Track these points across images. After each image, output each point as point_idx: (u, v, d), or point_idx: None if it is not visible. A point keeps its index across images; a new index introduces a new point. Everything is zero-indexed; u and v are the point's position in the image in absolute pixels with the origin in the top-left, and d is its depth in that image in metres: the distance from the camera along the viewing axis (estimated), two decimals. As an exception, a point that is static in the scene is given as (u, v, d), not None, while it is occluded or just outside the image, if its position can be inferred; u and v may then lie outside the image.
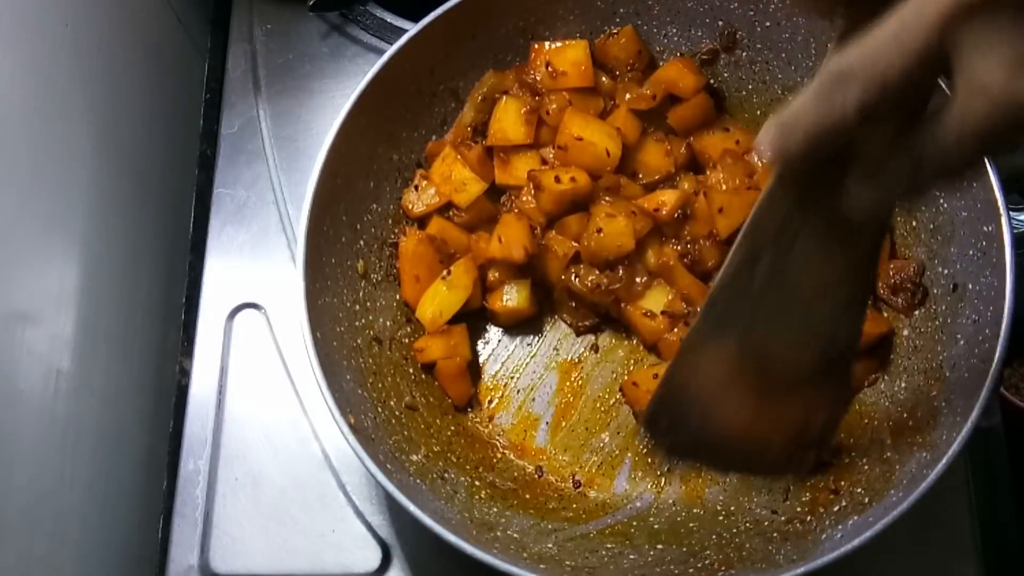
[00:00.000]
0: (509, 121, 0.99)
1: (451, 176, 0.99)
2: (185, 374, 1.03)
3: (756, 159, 0.98)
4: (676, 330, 0.95)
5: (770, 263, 0.71)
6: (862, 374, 0.93)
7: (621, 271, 0.96)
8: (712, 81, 1.03)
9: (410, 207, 1.00)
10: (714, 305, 0.75)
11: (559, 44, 1.00)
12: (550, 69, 0.99)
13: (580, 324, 0.99)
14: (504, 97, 1.00)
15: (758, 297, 0.72)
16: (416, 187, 1.00)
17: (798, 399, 0.78)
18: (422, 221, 1.00)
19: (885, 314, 0.95)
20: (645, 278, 0.96)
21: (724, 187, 0.96)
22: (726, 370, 0.76)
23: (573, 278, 0.96)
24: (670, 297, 0.96)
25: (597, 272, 0.96)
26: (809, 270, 0.71)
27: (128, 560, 0.97)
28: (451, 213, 1.00)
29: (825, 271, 0.71)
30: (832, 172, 0.60)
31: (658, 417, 0.81)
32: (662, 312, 0.95)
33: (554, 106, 0.98)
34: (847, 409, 0.84)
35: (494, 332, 1.00)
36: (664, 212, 0.95)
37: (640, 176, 1.01)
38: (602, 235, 0.94)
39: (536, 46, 1.00)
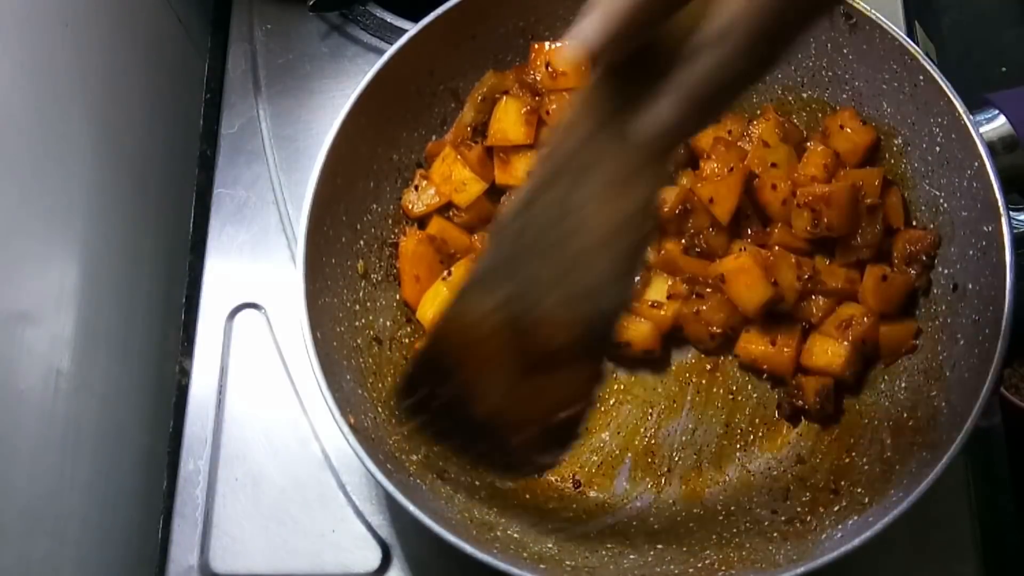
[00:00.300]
0: (509, 121, 0.99)
1: (451, 176, 0.99)
2: (185, 374, 1.03)
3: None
4: (690, 302, 0.95)
5: (558, 197, 0.67)
6: (902, 339, 0.93)
7: None
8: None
9: (410, 207, 1.00)
10: (481, 258, 0.71)
11: (559, 44, 1.00)
12: (550, 69, 0.99)
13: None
14: (504, 97, 1.00)
15: (536, 241, 0.68)
16: (416, 187, 1.00)
17: (554, 378, 0.74)
18: (422, 221, 1.00)
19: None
20: (642, 274, 0.96)
21: (715, 176, 0.96)
22: (482, 336, 0.72)
23: None
24: (670, 283, 0.96)
25: None
26: (591, 213, 0.67)
27: (128, 560, 0.97)
28: (451, 213, 1.00)
29: (606, 218, 0.67)
30: (635, 90, 0.59)
31: (413, 386, 0.75)
32: (668, 297, 0.96)
33: (554, 106, 0.98)
34: (595, 398, 0.77)
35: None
36: (665, 210, 0.95)
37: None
38: None
39: (536, 46, 1.00)
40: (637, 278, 0.71)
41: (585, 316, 0.71)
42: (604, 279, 0.69)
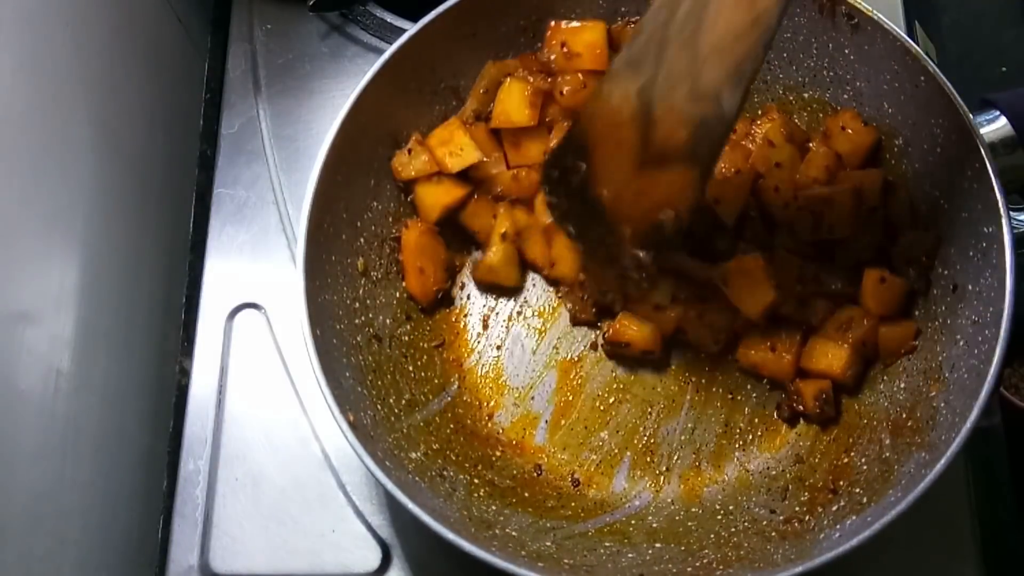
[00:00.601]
0: (513, 103, 0.98)
1: (451, 139, 0.98)
2: (185, 374, 1.03)
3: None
4: (693, 305, 0.95)
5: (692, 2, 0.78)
6: (902, 340, 0.93)
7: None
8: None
9: (399, 170, 0.99)
10: (638, 35, 0.82)
11: (577, 24, 0.99)
12: (565, 49, 0.98)
13: (580, 316, 0.99)
14: (508, 79, 0.99)
15: (672, 34, 0.79)
16: (409, 150, 0.99)
17: (665, 177, 0.84)
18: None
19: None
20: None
21: (719, 176, 0.96)
22: (620, 120, 0.83)
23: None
24: (675, 287, 0.96)
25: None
26: (721, 13, 0.78)
27: (128, 560, 0.97)
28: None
29: (731, 18, 0.78)
30: None
31: (558, 160, 0.87)
32: (672, 300, 0.96)
33: (568, 87, 0.98)
34: (690, 210, 0.87)
35: (494, 329, 1.00)
36: None
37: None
38: None
39: (553, 24, 0.99)
40: (748, 90, 0.82)
41: (702, 117, 0.82)
42: (725, 81, 0.80)
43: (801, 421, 0.95)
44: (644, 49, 0.82)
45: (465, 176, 1.00)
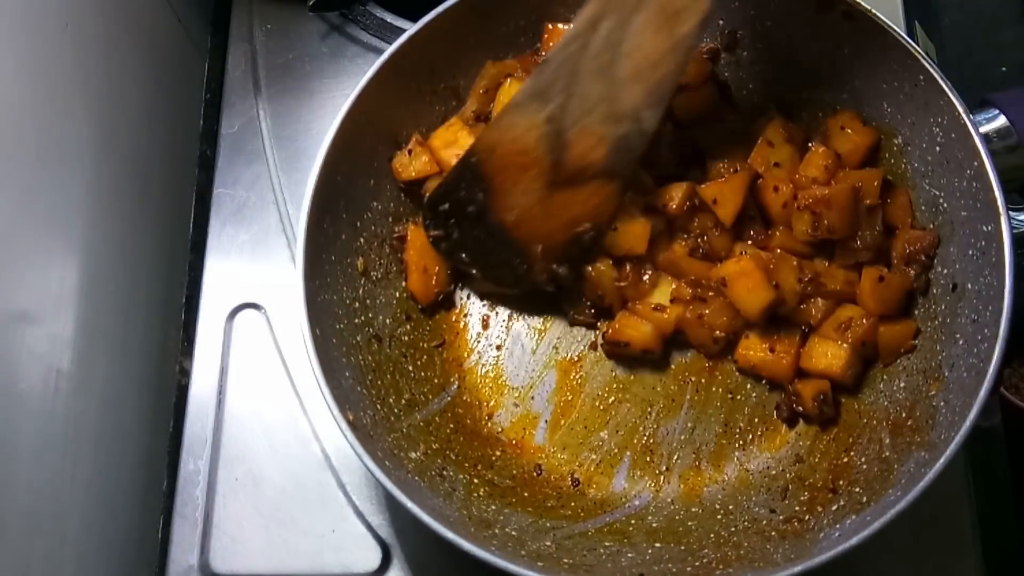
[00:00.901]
0: None
1: (456, 141, 0.98)
2: (185, 374, 1.03)
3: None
4: (693, 306, 0.95)
5: (610, 28, 0.81)
6: (901, 339, 0.93)
7: (628, 268, 0.96)
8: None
9: (399, 170, 0.99)
10: (545, 66, 0.85)
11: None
12: None
13: (577, 316, 0.99)
14: (508, 80, 0.99)
15: (586, 64, 0.82)
16: (410, 151, 0.99)
17: (580, 194, 0.86)
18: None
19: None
20: (650, 274, 0.96)
21: (719, 177, 0.96)
22: (526, 147, 0.85)
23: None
24: (675, 287, 0.96)
25: (609, 263, 0.96)
26: (639, 44, 0.81)
27: (128, 560, 0.97)
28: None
29: (650, 48, 0.81)
30: None
31: (449, 193, 0.89)
32: (671, 301, 0.96)
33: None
34: (612, 219, 0.90)
35: (494, 329, 1.00)
36: (673, 206, 0.95)
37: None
38: (616, 232, 0.94)
39: (550, 27, 1.00)
40: (664, 106, 0.86)
41: (623, 135, 0.85)
42: (640, 103, 0.84)
43: (801, 421, 0.95)
44: (552, 79, 0.85)
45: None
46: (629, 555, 0.87)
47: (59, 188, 0.90)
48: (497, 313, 1.01)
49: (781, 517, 0.88)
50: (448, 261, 0.97)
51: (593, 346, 0.99)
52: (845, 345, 0.92)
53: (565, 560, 0.85)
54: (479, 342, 1.00)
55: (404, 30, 0.96)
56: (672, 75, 0.84)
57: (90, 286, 0.94)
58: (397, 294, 0.99)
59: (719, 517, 0.90)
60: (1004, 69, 1.68)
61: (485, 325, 1.01)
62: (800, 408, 0.93)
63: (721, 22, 1.01)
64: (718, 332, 0.95)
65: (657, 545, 0.88)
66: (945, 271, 0.91)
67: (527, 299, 1.00)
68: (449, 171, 0.93)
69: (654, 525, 0.91)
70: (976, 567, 0.92)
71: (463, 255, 0.95)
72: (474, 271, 0.96)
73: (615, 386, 0.98)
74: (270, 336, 1.03)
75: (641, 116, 0.85)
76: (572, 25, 0.84)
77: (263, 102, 1.13)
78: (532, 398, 0.98)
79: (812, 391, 0.92)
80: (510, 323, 1.01)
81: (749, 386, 0.97)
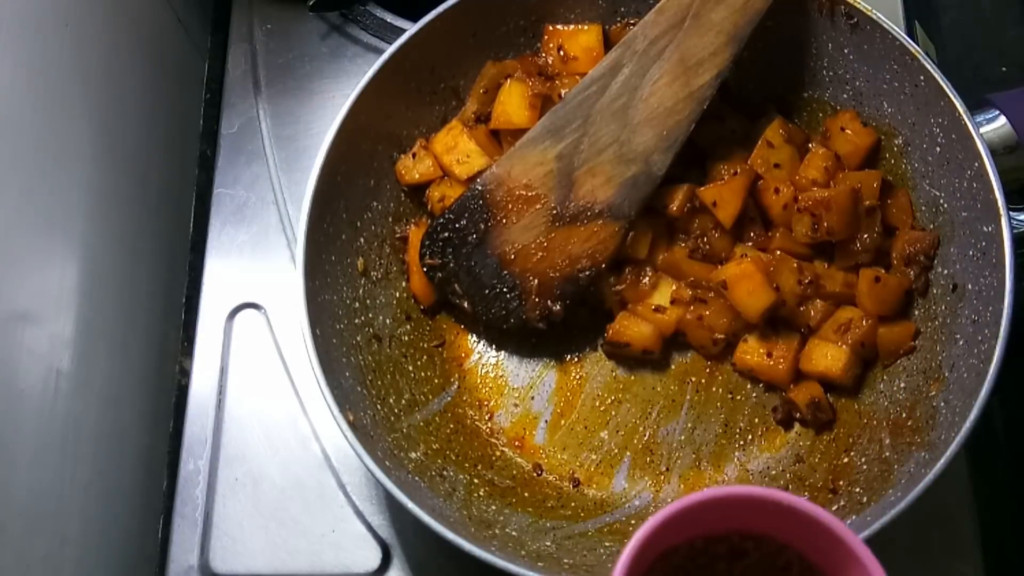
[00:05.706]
0: (513, 104, 0.98)
1: (456, 146, 0.98)
2: (185, 374, 1.03)
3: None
4: (693, 308, 0.95)
5: (629, 73, 0.86)
6: (900, 340, 0.93)
7: (627, 272, 0.96)
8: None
9: (403, 173, 0.99)
10: (563, 106, 0.89)
11: (572, 28, 0.99)
12: (562, 53, 0.98)
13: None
14: (508, 80, 0.99)
15: (602, 106, 0.87)
16: (414, 155, 0.99)
17: (582, 233, 0.89)
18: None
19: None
20: (650, 276, 0.96)
21: (719, 179, 0.96)
22: (534, 181, 0.89)
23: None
24: (675, 288, 0.96)
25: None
26: (656, 91, 0.86)
27: (128, 560, 0.97)
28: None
29: (665, 95, 0.86)
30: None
31: (450, 223, 0.92)
32: (671, 302, 0.96)
33: (565, 90, 0.97)
34: (611, 259, 0.92)
35: (494, 329, 1.00)
36: (674, 208, 0.95)
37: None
38: None
39: (550, 28, 1.00)
40: (671, 156, 0.90)
41: (631, 176, 0.88)
42: (652, 146, 0.87)
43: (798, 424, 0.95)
44: (568, 118, 0.89)
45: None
46: (629, 555, 0.87)
47: (59, 188, 0.90)
48: (497, 313, 1.01)
49: (781, 517, 0.88)
50: (439, 292, 0.97)
51: (593, 346, 0.99)
52: (844, 347, 0.92)
53: (565, 560, 0.85)
54: (479, 342, 1.00)
55: (404, 30, 0.96)
56: (686, 122, 0.88)
57: (90, 286, 0.94)
58: (397, 294, 0.99)
59: (719, 517, 0.90)
60: (1004, 69, 1.68)
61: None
62: (797, 414, 0.93)
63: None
64: (718, 334, 0.95)
65: (657, 545, 0.88)
66: (945, 272, 0.91)
67: (516, 335, 0.99)
68: (453, 201, 0.94)
69: (654, 525, 0.91)
70: (976, 567, 0.92)
71: (456, 286, 0.95)
72: (465, 304, 0.96)
73: (615, 386, 0.98)
74: (270, 336, 1.03)
75: (651, 159, 0.89)
76: (593, 69, 0.88)
77: (263, 102, 1.13)
78: (532, 398, 0.98)
79: (805, 397, 0.92)
80: (510, 323, 1.01)
81: (749, 386, 0.97)
